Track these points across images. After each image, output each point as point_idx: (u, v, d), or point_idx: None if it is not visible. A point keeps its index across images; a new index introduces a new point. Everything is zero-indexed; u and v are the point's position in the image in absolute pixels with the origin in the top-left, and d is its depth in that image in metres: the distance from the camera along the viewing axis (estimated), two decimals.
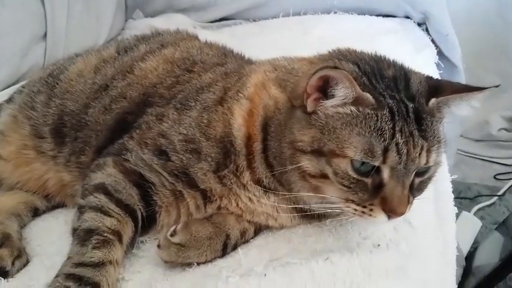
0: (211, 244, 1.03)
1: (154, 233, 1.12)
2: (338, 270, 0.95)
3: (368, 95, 0.90)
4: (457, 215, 2.54)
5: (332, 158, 0.92)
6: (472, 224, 2.59)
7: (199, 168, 1.05)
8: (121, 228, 1.01)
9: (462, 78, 2.32)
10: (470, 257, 2.33)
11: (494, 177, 3.03)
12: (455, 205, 1.44)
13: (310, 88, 0.92)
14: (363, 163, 0.90)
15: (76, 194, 1.25)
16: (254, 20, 2.37)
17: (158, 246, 1.02)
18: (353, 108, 0.91)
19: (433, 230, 1.22)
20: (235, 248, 1.06)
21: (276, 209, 1.07)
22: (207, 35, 1.66)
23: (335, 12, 2.31)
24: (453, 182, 1.53)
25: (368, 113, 0.90)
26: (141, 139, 1.10)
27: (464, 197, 2.84)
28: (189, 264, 1.01)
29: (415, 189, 0.96)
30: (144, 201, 1.07)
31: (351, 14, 2.32)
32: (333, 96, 0.92)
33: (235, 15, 2.45)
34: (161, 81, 1.24)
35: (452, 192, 1.47)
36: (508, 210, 2.73)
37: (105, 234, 0.98)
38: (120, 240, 1.01)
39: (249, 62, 1.36)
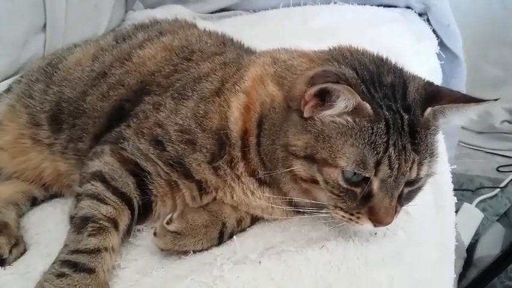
0: (208, 232, 1.03)
1: (151, 222, 1.12)
2: (333, 257, 0.96)
3: (367, 106, 0.89)
4: (459, 207, 2.57)
5: (323, 166, 0.92)
6: (473, 215, 2.59)
7: (193, 158, 1.05)
8: (117, 215, 1.02)
9: (463, 69, 2.31)
10: (471, 248, 2.33)
11: (497, 169, 3.03)
12: (457, 197, 1.43)
13: (309, 96, 0.91)
14: (354, 173, 0.90)
15: (72, 184, 1.26)
16: (254, 11, 2.36)
17: (155, 234, 1.02)
18: (349, 118, 0.90)
19: (431, 219, 1.22)
20: (231, 236, 1.06)
21: (271, 204, 1.06)
22: (207, 26, 1.66)
23: (335, 2, 2.30)
24: (455, 173, 1.52)
25: (364, 125, 0.89)
26: (138, 128, 1.10)
27: (466, 189, 2.84)
28: (185, 253, 1.01)
29: (403, 199, 0.96)
30: (140, 190, 1.07)
31: (352, 4, 2.30)
32: (332, 106, 0.91)
33: (235, 6, 2.44)
34: (160, 69, 1.23)
35: (454, 184, 1.46)
36: (510, 202, 2.73)
37: (100, 222, 0.99)
38: (116, 227, 1.01)
39: (249, 51, 1.35)
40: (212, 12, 2.46)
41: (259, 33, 2.03)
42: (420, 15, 2.31)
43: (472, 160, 3.10)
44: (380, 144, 0.88)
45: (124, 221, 1.03)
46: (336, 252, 0.97)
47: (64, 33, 2.01)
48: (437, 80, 2.09)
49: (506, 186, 2.87)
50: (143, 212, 1.09)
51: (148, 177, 1.07)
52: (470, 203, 2.68)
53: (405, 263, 1.02)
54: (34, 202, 1.33)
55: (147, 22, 1.51)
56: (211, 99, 1.08)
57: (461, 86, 2.38)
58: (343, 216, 0.95)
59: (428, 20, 2.29)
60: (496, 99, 0.95)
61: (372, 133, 0.89)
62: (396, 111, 0.91)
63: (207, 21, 2.35)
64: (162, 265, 1.00)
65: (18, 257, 1.12)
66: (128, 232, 1.06)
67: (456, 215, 1.41)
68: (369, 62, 0.99)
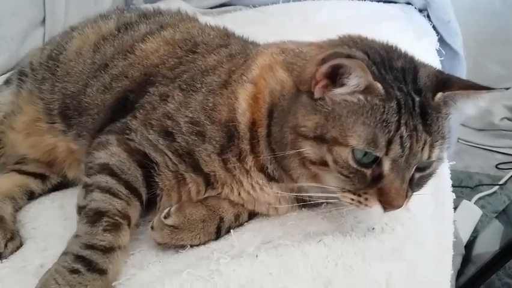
0: (205, 227, 1.03)
1: (150, 216, 1.11)
2: (330, 252, 0.95)
3: (379, 85, 0.89)
4: (458, 204, 2.57)
5: (333, 145, 0.90)
6: (472, 212, 2.59)
7: (203, 149, 1.03)
8: (130, 211, 1.00)
9: (463, 66, 2.30)
10: (470, 245, 2.33)
11: (496, 167, 3.02)
12: (456, 194, 1.43)
13: (320, 75, 0.91)
14: (365, 154, 0.89)
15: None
16: (254, 6, 2.36)
17: (152, 228, 1.01)
18: (361, 97, 0.90)
19: (430, 214, 1.21)
20: (229, 231, 1.06)
21: (279, 200, 1.06)
22: (208, 21, 1.65)
23: None
24: (454, 170, 1.52)
25: (376, 104, 0.89)
26: (146, 119, 1.09)
27: (465, 186, 2.84)
28: (182, 247, 1.01)
29: (414, 184, 0.95)
30: (146, 183, 1.06)
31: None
32: (343, 84, 0.90)
33: (236, 1, 2.43)
34: (164, 62, 1.22)
35: (453, 181, 1.46)
36: (508, 199, 2.72)
37: (116, 218, 0.97)
38: (129, 224, 1.00)
39: (253, 43, 1.34)
40: (212, 8, 2.45)
41: (259, 28, 2.02)
42: (420, 11, 2.30)
43: (471, 157, 3.09)
44: (392, 122, 0.88)
45: (135, 216, 1.02)
46: (334, 247, 0.96)
47: (63, 27, 2.00)
48: None
49: (505, 183, 2.87)
50: (146, 206, 1.07)
51: (156, 168, 1.05)
52: (469, 200, 2.68)
53: (403, 259, 1.01)
54: (31, 196, 1.33)
55: (150, 11, 1.49)
56: (219, 92, 1.07)
57: None
58: (352, 200, 0.93)
59: (428, 16, 2.28)
60: (507, 88, 0.96)
61: (383, 112, 0.88)
62: (407, 92, 0.91)
63: (206, 16, 2.34)
64: (159, 259, 0.99)
65: (14, 251, 1.11)
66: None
67: (455, 211, 1.40)
68: (380, 47, 1.00)
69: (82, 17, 2.06)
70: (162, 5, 2.34)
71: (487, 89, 0.94)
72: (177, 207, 1.03)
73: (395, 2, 2.34)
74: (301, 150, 0.94)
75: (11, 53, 1.80)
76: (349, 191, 0.93)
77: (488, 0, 3.02)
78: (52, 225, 1.18)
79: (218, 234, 1.05)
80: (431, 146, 0.91)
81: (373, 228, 1.03)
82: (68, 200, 1.24)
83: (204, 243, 1.03)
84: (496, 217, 2.28)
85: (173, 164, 1.05)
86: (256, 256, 0.93)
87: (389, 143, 0.87)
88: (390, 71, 0.93)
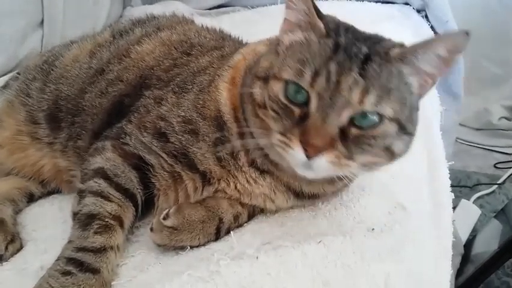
0: (204, 227, 1.03)
1: (150, 217, 1.12)
2: (330, 252, 0.95)
3: (321, 25, 0.90)
4: (457, 203, 2.57)
5: (271, 81, 0.91)
6: (471, 212, 2.60)
7: (197, 148, 1.04)
8: (121, 213, 1.01)
9: (461, 66, 2.31)
10: (468, 244, 2.34)
11: (494, 166, 3.03)
12: (454, 193, 1.43)
13: (283, 22, 0.96)
14: (296, 92, 0.87)
15: (72, 180, 1.26)
16: (252, 7, 2.36)
17: (151, 229, 1.02)
18: (303, 35, 0.92)
19: (428, 214, 1.22)
20: (228, 232, 1.06)
21: (273, 190, 1.06)
22: (205, 22, 1.65)
23: None
24: (453, 170, 1.53)
25: (312, 40, 0.90)
26: (140, 123, 1.10)
27: (463, 186, 2.85)
28: (182, 248, 1.01)
29: (351, 141, 0.87)
30: (143, 185, 1.07)
31: (350, 0, 2.30)
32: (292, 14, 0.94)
33: (233, 2, 2.44)
34: (159, 64, 1.23)
35: (452, 180, 1.47)
36: (507, 199, 2.73)
37: (106, 220, 0.98)
38: (121, 225, 1.01)
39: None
40: (210, 9, 2.46)
41: (258, 29, 2.02)
42: (418, 11, 2.31)
43: (469, 157, 3.10)
44: (323, 56, 0.86)
45: (128, 218, 1.03)
46: (333, 248, 0.97)
47: (62, 29, 2.01)
48: None
49: (503, 182, 2.88)
50: (145, 207, 1.08)
51: (151, 170, 1.06)
52: (468, 200, 2.69)
53: (402, 258, 1.01)
54: (31, 198, 1.33)
55: (144, 17, 1.51)
56: (208, 89, 1.08)
57: (458, 82, 2.38)
58: (279, 141, 0.89)
59: (426, 17, 2.29)
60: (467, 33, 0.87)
61: (318, 46, 0.88)
62: (353, 42, 0.89)
63: (204, 17, 2.35)
64: (159, 261, 1.00)
65: (15, 253, 1.12)
66: (131, 229, 1.06)
67: (454, 211, 1.41)
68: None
69: (80, 17, 2.10)
70: (160, 6, 2.38)
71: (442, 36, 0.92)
72: (176, 209, 1.04)
73: (393, 3, 2.35)
74: (252, 90, 0.95)
75: (9, 54, 1.80)
76: (279, 133, 0.90)
77: (485, 1, 3.02)
78: (52, 227, 1.18)
79: (217, 235, 1.05)
80: (365, 91, 0.84)
81: (372, 229, 1.03)
82: (67, 203, 1.23)
83: (204, 244, 1.03)
84: (495, 216, 2.29)
85: (168, 164, 1.06)
86: (257, 258, 0.93)
87: (316, 74, 0.85)
88: (351, 33, 0.93)
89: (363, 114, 0.86)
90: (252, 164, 1.05)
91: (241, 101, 1.03)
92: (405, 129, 0.90)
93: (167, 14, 1.54)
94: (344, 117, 0.85)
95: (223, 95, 1.06)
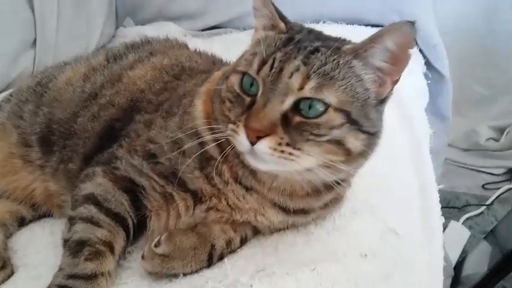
0: (196, 254, 1.03)
1: (142, 241, 1.11)
2: (323, 280, 0.96)
3: (282, 24, 1.00)
4: (446, 225, 2.58)
5: (230, 75, 0.97)
6: (460, 233, 2.61)
7: (186, 166, 1.04)
8: (112, 238, 1.01)
9: (449, 88, 2.35)
10: (458, 266, 2.34)
11: (483, 187, 3.05)
12: (444, 214, 1.44)
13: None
14: (251, 84, 0.92)
15: (63, 204, 1.25)
16: (244, 29, 2.38)
17: (143, 257, 1.01)
18: (264, 33, 1.00)
19: (419, 239, 1.23)
20: (221, 258, 1.06)
21: (262, 205, 1.06)
22: (198, 43, 1.66)
23: (324, 22, 2.31)
24: (441, 191, 1.54)
25: (270, 35, 0.98)
26: (130, 147, 1.11)
27: (452, 206, 2.86)
28: (175, 275, 1.01)
29: (293, 128, 0.88)
30: (134, 207, 1.07)
31: (340, 23, 2.32)
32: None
33: (226, 24, 2.45)
34: (150, 87, 1.25)
35: (441, 201, 1.48)
36: (496, 220, 2.74)
37: (97, 246, 0.98)
38: (112, 251, 1.00)
39: None
40: (202, 30, 2.47)
41: None
42: None
43: (458, 177, 3.12)
44: (273, 47, 0.93)
45: (119, 243, 1.02)
46: (326, 275, 0.97)
47: (54, 49, 2.01)
48: (424, 98, 2.13)
49: (492, 203, 2.90)
50: (137, 229, 1.08)
51: (143, 192, 1.07)
52: (457, 221, 2.70)
53: (395, 284, 1.02)
54: (22, 222, 1.31)
55: (138, 41, 1.52)
56: (188, 109, 1.10)
57: (447, 104, 2.42)
58: (231, 130, 0.91)
59: (414, 40, 2.32)
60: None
61: (272, 40, 0.95)
62: (310, 40, 0.94)
63: (197, 38, 2.36)
64: None
65: (6, 280, 1.10)
66: (123, 253, 1.06)
67: (443, 232, 1.42)
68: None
69: (73, 37, 2.11)
70: (152, 27, 2.40)
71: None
72: (167, 236, 1.03)
73: (382, 26, 2.36)
74: (221, 87, 1.00)
75: (1, 74, 1.80)
76: (231, 122, 0.92)
77: (471, 22, 3.08)
78: (43, 252, 1.17)
79: (210, 261, 1.05)
80: (306, 77, 0.87)
81: (365, 255, 1.04)
82: (58, 227, 1.22)
83: (197, 271, 1.03)
84: (484, 238, 2.30)
85: (160, 186, 1.06)
86: (251, 286, 0.93)
87: (263, 63, 0.91)
88: (310, 33, 1.00)
89: (309, 103, 0.88)
90: (237, 180, 1.05)
91: (213, 104, 1.05)
92: (359, 124, 0.91)
93: (161, 37, 1.56)
94: (287, 103, 0.88)
95: (198, 109, 1.07)
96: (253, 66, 0.91)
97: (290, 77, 0.87)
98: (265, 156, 0.87)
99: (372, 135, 0.94)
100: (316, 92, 0.87)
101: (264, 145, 0.86)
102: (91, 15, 2.27)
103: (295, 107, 0.88)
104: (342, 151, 0.91)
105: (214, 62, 1.40)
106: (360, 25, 2.34)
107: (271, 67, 0.89)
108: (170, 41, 1.54)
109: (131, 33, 2.42)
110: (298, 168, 0.90)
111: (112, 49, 1.51)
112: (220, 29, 2.46)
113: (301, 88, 0.87)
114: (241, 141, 0.88)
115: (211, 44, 2.18)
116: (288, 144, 0.86)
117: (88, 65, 1.40)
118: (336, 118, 0.88)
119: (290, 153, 0.87)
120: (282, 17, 1.01)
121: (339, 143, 0.90)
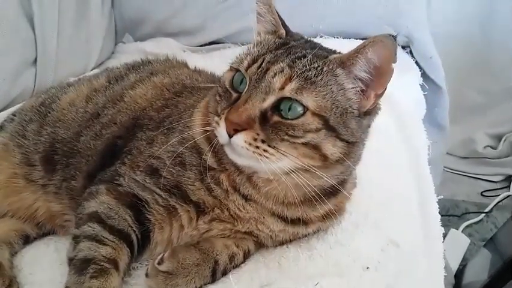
0: (199, 270, 1.04)
1: (149, 254, 1.12)
2: None
3: (283, 31, 1.07)
4: (445, 233, 2.59)
5: (225, 72, 1.05)
6: (460, 241, 2.61)
7: (187, 178, 1.07)
8: (116, 255, 1.02)
9: (446, 98, 2.37)
10: (459, 274, 2.35)
11: (481, 194, 3.06)
12: (443, 223, 1.46)
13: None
14: (241, 82, 0.98)
15: (65, 224, 1.27)
16: (243, 44, 2.40)
17: (147, 275, 1.03)
18: (264, 36, 1.06)
19: (420, 250, 1.24)
20: (224, 273, 1.08)
21: (261, 214, 1.09)
22: (197, 59, 1.68)
23: (321, 37, 2.34)
24: (441, 199, 1.55)
25: (269, 39, 1.05)
26: (133, 163, 1.13)
27: (452, 214, 2.87)
28: None
29: (270, 126, 0.93)
30: (138, 222, 1.08)
31: (337, 38, 2.35)
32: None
33: (224, 39, 2.47)
34: (151, 104, 1.28)
35: (440, 209, 1.49)
36: (495, 227, 2.76)
37: (102, 263, 0.99)
38: (117, 268, 1.01)
39: None
40: (201, 45, 2.49)
41: None
42: (403, 47, 2.37)
43: (456, 185, 3.13)
44: (265, 49, 1.00)
45: (123, 260, 1.03)
46: None
47: (55, 67, 2.03)
48: (421, 109, 2.15)
49: (491, 211, 2.91)
50: (141, 244, 1.09)
51: (146, 206, 1.08)
52: (457, 229, 2.71)
53: None
54: (27, 240, 1.31)
55: (139, 62, 1.55)
56: (188, 124, 1.13)
57: (444, 114, 2.44)
58: (215, 122, 0.97)
59: (411, 53, 2.35)
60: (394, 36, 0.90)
61: (268, 43, 1.03)
62: (304, 48, 1.00)
63: (196, 53, 2.39)
64: None
65: None
66: (128, 270, 1.07)
67: (443, 241, 1.43)
68: None
69: (73, 54, 2.12)
70: (152, 43, 2.42)
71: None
72: (170, 253, 1.05)
73: None
74: (216, 84, 1.08)
75: (2, 92, 1.81)
76: (216, 115, 0.99)
77: (466, 32, 3.10)
78: (49, 270, 1.17)
79: (214, 277, 1.06)
80: (288, 79, 0.93)
81: (367, 268, 1.06)
82: (63, 244, 1.23)
83: (201, 287, 1.04)
84: (484, 245, 2.31)
85: (163, 199, 1.08)
86: None
87: (253, 62, 0.98)
88: (307, 42, 1.07)
89: (289, 104, 0.93)
90: (235, 188, 1.07)
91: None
92: (337, 132, 0.95)
93: (161, 57, 1.58)
94: (267, 101, 0.94)
95: (197, 122, 1.11)
96: (243, 63, 0.99)
97: (274, 77, 0.94)
98: (241, 150, 0.93)
99: (351, 144, 0.98)
100: (296, 93, 0.92)
101: (240, 139, 0.92)
102: (91, 32, 2.29)
103: (276, 107, 0.93)
104: (318, 156, 0.95)
105: (214, 81, 1.42)
106: (356, 39, 2.37)
107: (259, 66, 0.96)
108: (171, 60, 1.57)
109: (131, 49, 2.45)
110: (273, 166, 0.94)
111: (113, 70, 1.53)
112: (218, 44, 2.48)
113: (282, 88, 0.93)
114: (221, 132, 0.94)
115: (211, 59, 2.19)
116: (263, 142, 0.91)
117: (90, 87, 1.43)
118: (312, 122, 0.93)
119: (265, 150, 0.92)
120: (284, 25, 1.09)
121: (315, 147, 0.94)
